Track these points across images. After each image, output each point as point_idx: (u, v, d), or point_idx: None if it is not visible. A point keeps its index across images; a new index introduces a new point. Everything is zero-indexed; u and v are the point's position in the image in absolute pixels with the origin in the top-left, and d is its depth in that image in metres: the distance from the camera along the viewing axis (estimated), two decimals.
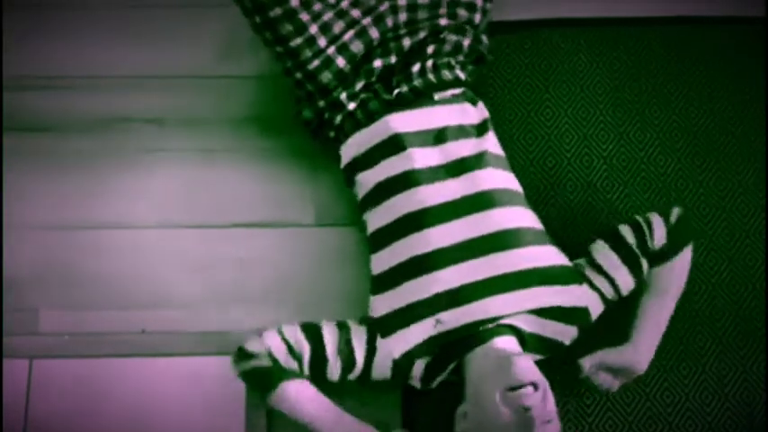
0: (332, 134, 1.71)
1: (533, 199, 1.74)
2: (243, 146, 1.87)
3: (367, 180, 1.63)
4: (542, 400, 1.37)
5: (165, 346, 1.68)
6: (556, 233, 1.73)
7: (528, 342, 1.52)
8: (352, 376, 1.54)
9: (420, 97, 1.66)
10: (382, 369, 1.53)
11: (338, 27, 1.67)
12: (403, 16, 1.72)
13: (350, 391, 1.59)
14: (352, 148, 1.67)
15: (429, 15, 1.72)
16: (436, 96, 1.67)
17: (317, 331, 1.54)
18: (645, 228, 1.59)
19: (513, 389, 1.36)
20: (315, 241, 1.79)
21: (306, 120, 1.74)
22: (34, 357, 1.67)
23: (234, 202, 1.82)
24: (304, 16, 1.64)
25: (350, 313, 1.69)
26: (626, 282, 1.58)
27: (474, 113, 1.67)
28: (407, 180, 1.58)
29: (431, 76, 1.68)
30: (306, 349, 1.52)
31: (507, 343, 1.49)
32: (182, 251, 1.77)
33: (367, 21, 1.69)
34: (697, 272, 1.76)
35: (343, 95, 1.67)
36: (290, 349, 1.52)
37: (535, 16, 2.00)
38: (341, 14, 1.68)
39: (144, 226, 1.79)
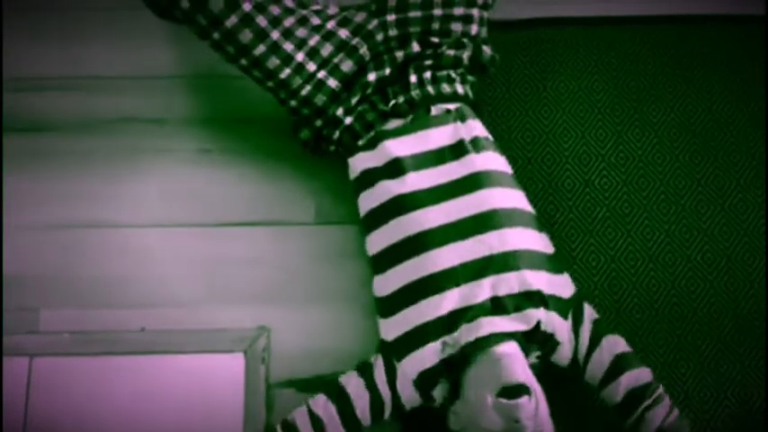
0: (331, 148, 1.72)
1: (531, 198, 1.74)
2: (243, 146, 1.88)
3: (368, 201, 1.63)
4: (534, 411, 1.36)
5: (164, 344, 1.68)
6: (554, 233, 1.74)
7: (524, 347, 1.50)
8: (387, 412, 1.52)
9: (416, 108, 1.65)
10: (409, 393, 1.51)
11: (327, 50, 1.66)
12: (393, 32, 1.71)
13: None
14: (353, 168, 1.67)
15: (421, 29, 1.70)
16: (433, 109, 1.66)
17: (339, 388, 1.52)
18: (650, 402, 1.49)
19: (508, 394, 1.35)
20: (315, 239, 1.79)
21: (304, 140, 1.74)
22: (34, 355, 1.67)
23: (234, 201, 1.82)
24: (288, 46, 1.63)
25: (351, 311, 1.70)
26: (595, 373, 1.52)
27: (465, 131, 1.64)
28: (407, 203, 1.56)
29: (429, 88, 1.67)
30: (332, 409, 1.50)
31: (507, 347, 1.47)
32: (181, 250, 1.77)
33: (356, 40, 1.68)
34: (696, 270, 1.76)
35: (340, 111, 1.67)
36: (313, 421, 1.50)
37: (534, 15, 2.00)
38: (328, 36, 1.67)
39: (144, 225, 1.80)
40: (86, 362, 1.67)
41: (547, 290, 1.51)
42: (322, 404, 1.51)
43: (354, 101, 1.67)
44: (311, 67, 1.65)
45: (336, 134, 1.68)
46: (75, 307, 1.72)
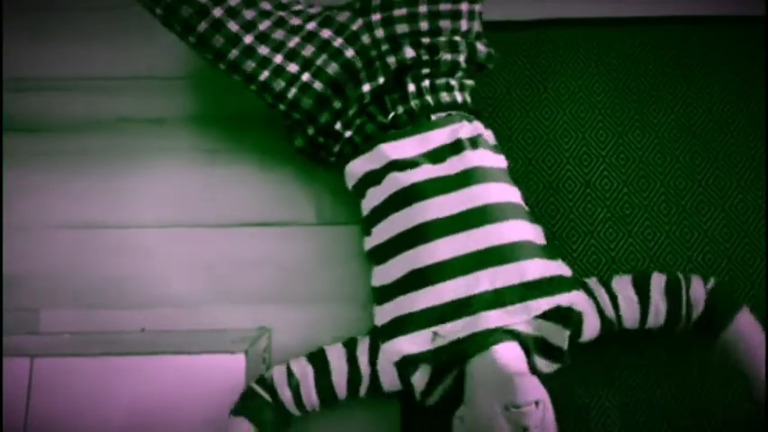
0: (332, 159, 1.72)
1: (531, 198, 1.74)
2: (243, 145, 1.88)
3: (375, 198, 1.63)
4: (542, 417, 1.37)
5: (164, 345, 1.68)
6: (554, 234, 1.74)
7: (528, 345, 1.51)
8: (363, 389, 1.53)
9: (415, 119, 1.64)
10: (389, 376, 1.52)
11: (308, 51, 1.65)
12: (380, 32, 1.70)
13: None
14: (352, 174, 1.67)
15: (409, 29, 1.70)
16: (433, 117, 1.65)
17: (321, 354, 1.55)
18: (682, 283, 1.56)
19: (516, 406, 1.35)
20: (315, 240, 1.79)
21: (298, 147, 1.74)
22: (35, 356, 1.67)
23: (234, 201, 1.82)
24: (263, 50, 1.64)
25: (351, 311, 1.70)
26: (631, 311, 1.54)
27: (469, 129, 1.64)
28: (412, 193, 1.57)
29: (428, 98, 1.66)
30: (309, 373, 1.52)
31: (509, 350, 1.47)
32: (182, 250, 1.77)
33: (339, 42, 1.67)
34: (696, 271, 1.76)
35: (338, 125, 1.66)
36: (290, 378, 1.52)
37: (534, 16, 2.00)
38: (309, 37, 1.66)
39: (144, 225, 1.80)
40: (87, 362, 1.67)
41: (548, 273, 1.52)
42: (302, 364, 1.53)
43: (352, 113, 1.66)
44: (292, 68, 1.64)
45: (337, 148, 1.69)
46: (75, 307, 1.72)
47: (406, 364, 1.50)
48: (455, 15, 1.71)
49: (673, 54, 1.97)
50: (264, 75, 1.64)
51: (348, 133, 1.67)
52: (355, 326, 1.67)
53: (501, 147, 1.72)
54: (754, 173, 1.85)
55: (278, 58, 1.64)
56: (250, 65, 1.63)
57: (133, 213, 1.81)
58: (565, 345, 1.51)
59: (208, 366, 1.66)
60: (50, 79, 1.94)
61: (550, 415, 1.39)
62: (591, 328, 1.54)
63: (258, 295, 1.73)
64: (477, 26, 1.76)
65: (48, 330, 1.70)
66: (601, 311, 1.54)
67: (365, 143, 1.65)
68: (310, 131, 1.70)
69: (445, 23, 1.71)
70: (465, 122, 1.65)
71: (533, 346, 1.51)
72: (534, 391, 1.38)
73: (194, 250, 1.78)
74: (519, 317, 1.49)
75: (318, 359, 1.54)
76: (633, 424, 1.63)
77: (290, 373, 1.52)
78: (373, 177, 1.63)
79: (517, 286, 1.50)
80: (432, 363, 1.50)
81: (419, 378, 1.51)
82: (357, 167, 1.66)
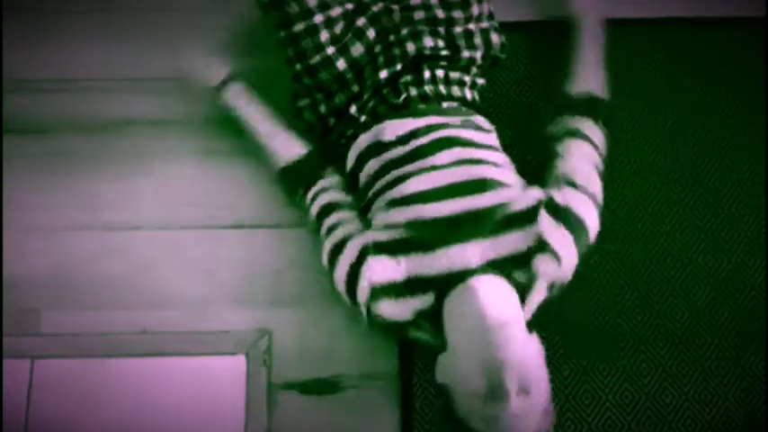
0: (342, 141, 1.72)
1: None
2: (243, 146, 1.87)
3: (365, 174, 1.64)
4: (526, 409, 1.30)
5: (165, 346, 1.68)
6: None
7: (504, 266, 1.46)
8: (329, 243, 1.55)
9: (428, 102, 1.65)
10: (345, 262, 1.51)
11: (338, 27, 1.68)
12: (398, 17, 1.72)
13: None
14: (356, 147, 1.67)
15: (425, 16, 1.72)
16: (444, 105, 1.67)
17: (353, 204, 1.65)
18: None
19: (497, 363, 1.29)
20: (316, 241, 1.78)
21: (308, 122, 1.75)
22: (35, 357, 1.68)
23: (234, 202, 1.82)
24: (311, 1, 1.66)
25: (351, 312, 1.70)
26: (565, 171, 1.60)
27: (477, 121, 1.66)
28: (398, 163, 1.57)
29: (441, 87, 1.68)
30: (331, 197, 1.64)
31: (492, 287, 1.41)
32: (182, 251, 1.78)
33: (362, 21, 1.69)
34: (697, 271, 1.77)
35: (353, 108, 1.68)
36: (337, 184, 1.67)
37: (535, 17, 2.00)
38: (345, 15, 1.68)
39: (144, 226, 1.80)
40: (88, 364, 1.67)
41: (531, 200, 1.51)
42: (334, 193, 1.66)
43: (366, 97, 1.68)
44: (324, 36, 1.66)
45: (350, 131, 1.69)
46: (76, 309, 1.72)
47: (370, 249, 1.48)
48: (465, 1, 1.74)
49: (673, 54, 1.96)
50: (299, 27, 1.66)
51: (363, 118, 1.67)
52: (356, 327, 1.68)
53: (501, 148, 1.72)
54: (754, 173, 1.85)
55: (318, 18, 1.66)
56: (294, 8, 1.65)
57: (134, 215, 1.81)
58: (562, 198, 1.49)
59: (209, 368, 1.67)
60: (50, 79, 1.94)
61: (545, 385, 1.34)
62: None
63: (259, 296, 1.73)
64: (486, 9, 1.79)
65: (48, 331, 1.71)
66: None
67: (374, 122, 1.66)
68: (322, 109, 1.71)
69: (458, 13, 1.73)
70: (472, 117, 1.66)
71: (530, 250, 1.46)
72: (522, 379, 1.29)
73: (195, 251, 1.78)
74: (499, 246, 1.46)
75: (347, 202, 1.65)
76: (633, 425, 1.64)
77: (331, 185, 1.67)
78: (376, 149, 1.62)
79: (496, 206, 1.48)
80: (401, 252, 1.47)
81: (383, 272, 1.47)
82: (362, 141, 1.66)
